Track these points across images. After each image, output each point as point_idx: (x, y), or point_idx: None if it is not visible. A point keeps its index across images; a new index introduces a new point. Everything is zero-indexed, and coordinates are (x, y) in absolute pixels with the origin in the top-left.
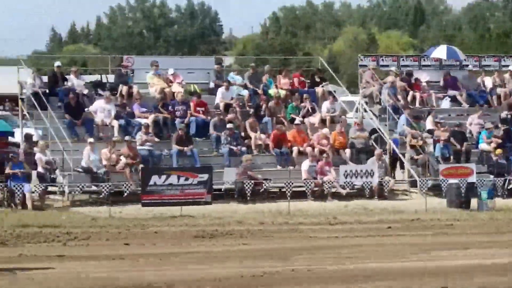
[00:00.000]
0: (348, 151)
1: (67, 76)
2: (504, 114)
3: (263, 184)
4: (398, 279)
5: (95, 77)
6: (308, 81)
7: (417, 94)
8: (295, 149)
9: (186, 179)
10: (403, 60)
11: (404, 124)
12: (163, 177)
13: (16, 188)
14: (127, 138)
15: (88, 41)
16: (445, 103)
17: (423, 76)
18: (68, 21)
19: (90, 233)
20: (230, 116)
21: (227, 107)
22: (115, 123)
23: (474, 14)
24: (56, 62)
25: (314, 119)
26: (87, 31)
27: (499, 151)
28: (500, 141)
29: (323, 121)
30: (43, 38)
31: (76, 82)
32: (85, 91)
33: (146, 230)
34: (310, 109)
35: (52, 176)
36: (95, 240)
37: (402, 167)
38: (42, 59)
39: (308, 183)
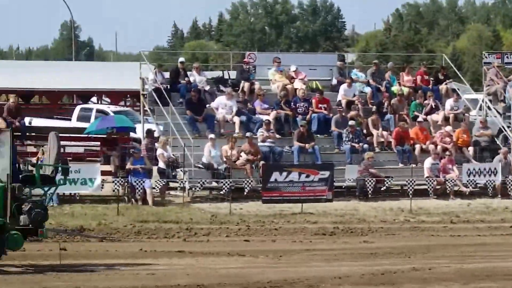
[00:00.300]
0: (471, 149)
1: (188, 72)
2: None
3: (385, 182)
4: None
5: (216, 73)
6: (432, 78)
7: None
8: (417, 146)
9: (307, 176)
10: None
11: None
12: (284, 173)
13: (137, 184)
14: (248, 134)
15: (210, 37)
16: None
17: None
18: (190, 17)
19: (210, 229)
20: (352, 113)
21: (349, 104)
22: (237, 119)
23: None
24: (180, 58)
25: (437, 116)
26: (209, 27)
27: None
28: None
29: (446, 119)
30: (165, 34)
31: (198, 78)
32: (207, 87)
33: (266, 227)
34: (433, 106)
35: (173, 172)
36: (215, 236)
37: None
38: (163, 55)
39: (430, 181)
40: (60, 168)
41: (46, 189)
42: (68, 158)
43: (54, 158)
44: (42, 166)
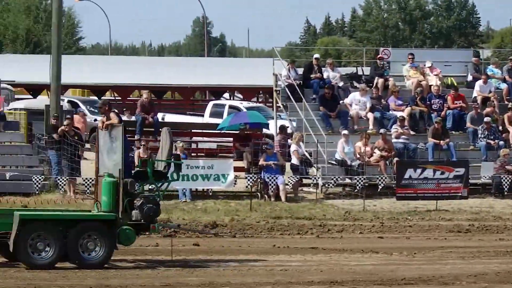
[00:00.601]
0: None
1: (322, 68)
2: None
3: None
4: None
5: (350, 69)
6: None
7: None
8: None
9: (442, 173)
10: None
11: None
12: (419, 170)
13: (270, 180)
14: (382, 130)
15: (343, 33)
16: None
17: None
18: (323, 13)
19: (343, 226)
20: (488, 109)
21: (485, 100)
22: (370, 116)
23: None
24: (315, 54)
25: None
26: (342, 23)
27: None
28: None
29: None
30: (297, 29)
31: (331, 74)
32: (340, 83)
33: (400, 224)
34: None
35: (306, 168)
36: (349, 233)
37: None
38: (296, 51)
39: None
40: (172, 164)
41: (158, 184)
42: (178, 153)
43: (167, 154)
44: (154, 162)
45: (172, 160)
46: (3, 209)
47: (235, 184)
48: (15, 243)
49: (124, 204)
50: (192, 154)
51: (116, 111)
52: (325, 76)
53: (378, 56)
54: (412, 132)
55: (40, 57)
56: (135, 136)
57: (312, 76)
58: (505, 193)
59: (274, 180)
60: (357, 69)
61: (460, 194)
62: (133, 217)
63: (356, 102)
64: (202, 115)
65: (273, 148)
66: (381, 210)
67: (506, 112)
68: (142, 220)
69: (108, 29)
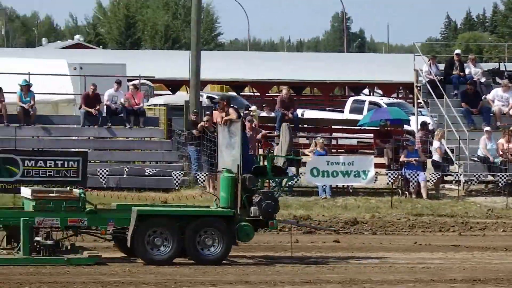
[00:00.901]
0: None
1: (464, 64)
2: None
3: None
4: None
5: (491, 65)
6: None
7: None
8: None
9: None
10: None
11: None
12: None
13: (411, 177)
14: None
15: (484, 29)
16: None
17: None
18: (464, 8)
19: (486, 223)
20: None
21: None
22: None
23: None
24: (456, 50)
25: None
26: (483, 18)
27: None
28: None
29: None
30: (438, 25)
31: (473, 70)
32: (483, 79)
33: None
34: None
35: (448, 165)
36: (491, 230)
37: None
38: (436, 47)
39: None
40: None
41: (277, 180)
42: (298, 149)
43: (286, 150)
44: (274, 158)
45: (292, 155)
46: (121, 204)
47: (375, 180)
48: (132, 238)
49: (242, 200)
50: (332, 150)
51: (235, 106)
52: (467, 72)
53: None
54: None
55: (179, 53)
56: (275, 132)
57: (454, 72)
58: None
59: (415, 177)
60: (499, 64)
61: None
62: (252, 213)
63: (499, 98)
64: (342, 111)
65: (414, 144)
66: None
67: None
68: (261, 216)
69: (247, 25)
